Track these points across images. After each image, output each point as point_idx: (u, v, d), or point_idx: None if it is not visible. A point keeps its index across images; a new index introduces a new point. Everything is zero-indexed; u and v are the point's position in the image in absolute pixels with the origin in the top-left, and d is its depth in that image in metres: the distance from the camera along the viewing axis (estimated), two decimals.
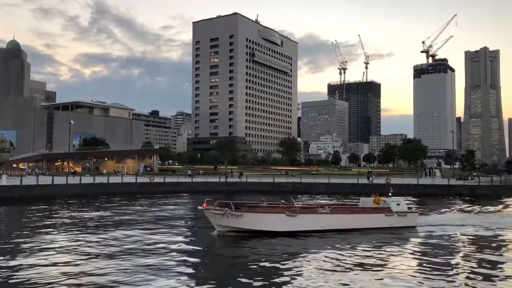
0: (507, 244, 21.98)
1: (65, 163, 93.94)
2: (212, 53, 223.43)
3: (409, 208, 27.85)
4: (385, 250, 20.11)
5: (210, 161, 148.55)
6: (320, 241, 22.28)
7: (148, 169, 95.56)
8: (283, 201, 26.24)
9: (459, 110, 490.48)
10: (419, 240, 23.53)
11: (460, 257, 18.96)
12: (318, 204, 26.05)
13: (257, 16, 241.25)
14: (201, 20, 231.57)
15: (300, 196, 52.53)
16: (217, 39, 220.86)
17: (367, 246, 20.95)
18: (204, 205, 22.82)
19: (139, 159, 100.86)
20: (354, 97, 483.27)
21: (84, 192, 50.10)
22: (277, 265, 16.86)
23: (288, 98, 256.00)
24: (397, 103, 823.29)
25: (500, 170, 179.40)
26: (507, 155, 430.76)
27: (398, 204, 26.63)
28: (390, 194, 28.80)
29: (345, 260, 17.76)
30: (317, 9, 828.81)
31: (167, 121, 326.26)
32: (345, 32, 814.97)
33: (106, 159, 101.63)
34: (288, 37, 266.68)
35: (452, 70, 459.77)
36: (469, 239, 23.61)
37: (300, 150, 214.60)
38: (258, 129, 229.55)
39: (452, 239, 23.60)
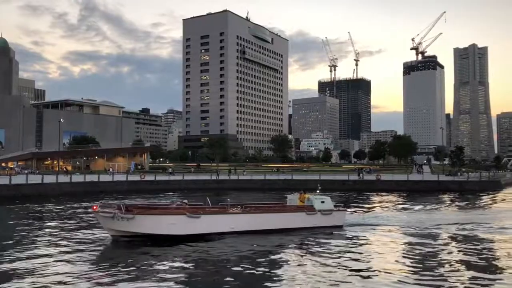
0: (425, 243, 20.60)
1: (55, 162, 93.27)
2: (203, 51, 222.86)
3: (336, 206, 25.79)
4: (288, 253, 18.53)
5: (202, 159, 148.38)
6: (218, 245, 19.83)
7: (139, 167, 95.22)
8: (185, 201, 23.60)
9: (448, 106, 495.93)
10: (336, 241, 21.23)
11: (374, 257, 17.64)
12: (228, 203, 23.61)
13: (248, 13, 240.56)
14: (191, 18, 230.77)
15: (290, 192, 52.76)
16: (208, 37, 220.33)
17: (272, 248, 19.21)
18: (95, 207, 20.72)
19: (129, 157, 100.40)
20: (344, 94, 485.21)
21: (74, 191, 49.82)
22: (163, 274, 14.87)
23: (279, 95, 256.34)
24: (387, 100, 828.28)
25: (489, 165, 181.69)
26: (496, 151, 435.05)
27: (322, 202, 24.47)
28: (318, 191, 26.81)
29: (235, 265, 16.22)
30: (307, 6, 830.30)
31: (158, 119, 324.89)
32: (335, 29, 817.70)
33: (96, 157, 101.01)
34: (278, 34, 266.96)
35: (441, 67, 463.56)
36: (391, 238, 21.83)
37: (291, 147, 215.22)
38: (249, 126, 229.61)
39: (373, 239, 21.74)
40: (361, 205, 40.21)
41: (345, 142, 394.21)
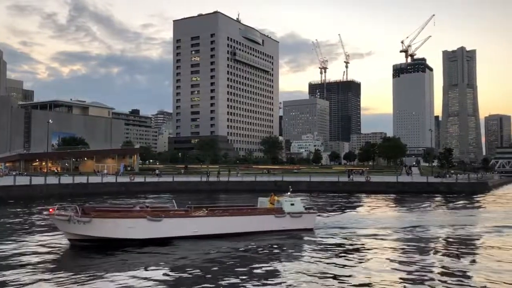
0: (398, 246, 20.51)
1: (43, 163, 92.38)
2: (193, 52, 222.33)
3: (307, 208, 25.07)
4: (250, 257, 17.89)
5: (192, 160, 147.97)
6: (176, 250, 18.94)
7: (129, 168, 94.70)
8: (147, 204, 22.88)
9: (437, 108, 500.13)
10: (303, 244, 20.70)
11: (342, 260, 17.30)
12: (192, 205, 23.06)
13: (238, 15, 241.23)
14: (181, 19, 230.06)
15: (281, 194, 52.77)
16: (198, 38, 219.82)
17: (232, 253, 18.60)
18: (51, 210, 20.01)
19: (119, 159, 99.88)
20: (334, 96, 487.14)
21: (63, 193, 49.37)
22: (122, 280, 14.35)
23: (270, 97, 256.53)
24: (377, 102, 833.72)
25: (477, 167, 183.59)
26: (484, 153, 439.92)
27: (292, 204, 23.82)
28: (288, 192, 26.33)
29: (190, 269, 15.79)
30: (298, 9, 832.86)
31: (148, 120, 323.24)
32: (326, 32, 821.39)
33: (85, 158, 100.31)
34: (269, 36, 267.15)
35: (430, 69, 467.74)
36: (362, 242, 21.38)
37: (282, 149, 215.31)
38: (239, 128, 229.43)
39: (342, 242, 21.14)
40: (345, 206, 40.30)
41: (335, 144, 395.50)
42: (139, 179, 62.20)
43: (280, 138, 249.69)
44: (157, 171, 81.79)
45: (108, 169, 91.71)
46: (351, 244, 20.67)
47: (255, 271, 15.71)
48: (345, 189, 59.86)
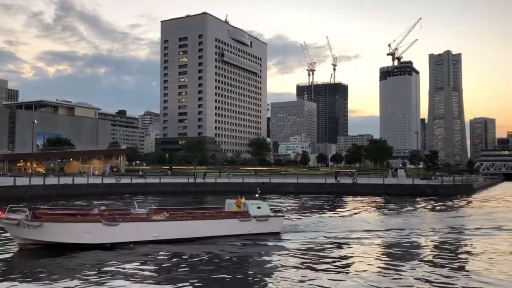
0: (368, 250, 19.95)
1: (28, 164, 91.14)
2: (181, 53, 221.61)
3: (275, 211, 24.31)
4: (209, 262, 17.18)
5: (179, 162, 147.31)
6: (127, 255, 18.12)
7: (115, 169, 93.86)
8: (103, 207, 21.91)
9: (423, 111, 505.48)
10: (266, 249, 20.04)
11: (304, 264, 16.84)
12: (152, 208, 22.23)
13: (227, 16, 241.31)
14: (169, 19, 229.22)
15: (268, 195, 52.76)
16: (186, 39, 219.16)
17: (189, 258, 17.79)
18: (0, 213, 19.13)
19: (105, 160, 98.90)
20: (322, 98, 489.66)
21: (48, 194, 48.72)
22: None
23: (258, 98, 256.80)
24: (364, 104, 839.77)
25: (462, 170, 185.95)
26: (469, 155, 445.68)
27: (258, 208, 23.03)
28: (256, 195, 25.67)
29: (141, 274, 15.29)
30: (286, 11, 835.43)
31: (135, 121, 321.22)
32: (314, 34, 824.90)
33: (71, 159, 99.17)
34: (257, 37, 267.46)
35: (417, 72, 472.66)
36: (328, 246, 20.50)
37: (270, 150, 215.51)
38: (227, 129, 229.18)
39: (308, 247, 20.23)
40: (325, 208, 39.82)
41: (322, 146, 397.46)
42: (125, 180, 61.65)
43: (268, 139, 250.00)
44: (140, 172, 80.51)
45: (94, 170, 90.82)
46: (314, 248, 19.81)
47: (212, 276, 15.15)
48: (332, 191, 60.10)
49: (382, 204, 46.00)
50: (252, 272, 16.00)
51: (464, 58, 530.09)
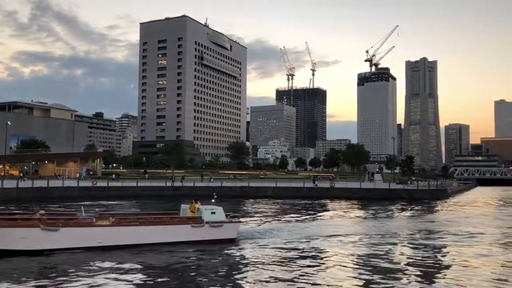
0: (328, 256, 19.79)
1: (1, 166, 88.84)
2: (160, 55, 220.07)
3: (230, 217, 23.45)
4: (155, 272, 16.32)
5: (157, 165, 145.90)
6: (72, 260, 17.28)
7: (91, 172, 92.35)
8: (42, 211, 20.61)
9: (400, 117, 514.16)
10: (219, 257, 19.27)
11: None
12: (98, 213, 21.42)
13: (206, 19, 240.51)
14: (149, 21, 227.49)
15: (247, 200, 52.72)
16: (165, 41, 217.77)
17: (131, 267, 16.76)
18: None
19: (81, 163, 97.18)
20: (301, 103, 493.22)
21: (21, 197, 47.61)
22: None
23: (237, 102, 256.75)
24: (342, 110, 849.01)
25: (437, 175, 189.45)
26: (443, 161, 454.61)
27: (213, 213, 22.16)
28: (213, 200, 25.10)
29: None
30: (266, 16, 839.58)
31: (112, 124, 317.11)
32: (293, 39, 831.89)
33: (46, 162, 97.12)
34: (237, 41, 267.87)
35: (394, 78, 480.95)
36: (283, 252, 20.07)
37: (249, 154, 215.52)
38: (206, 132, 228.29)
39: (263, 254, 19.69)
40: (296, 213, 39.11)
41: (301, 150, 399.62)
42: (101, 183, 60.75)
43: (247, 143, 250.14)
44: (113, 176, 79.05)
45: (69, 173, 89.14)
46: (267, 256, 19.14)
47: (150, 285, 14.44)
48: (310, 195, 60.46)
49: (358, 208, 46.45)
50: (193, 281, 15.26)
51: (439, 65, 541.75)
